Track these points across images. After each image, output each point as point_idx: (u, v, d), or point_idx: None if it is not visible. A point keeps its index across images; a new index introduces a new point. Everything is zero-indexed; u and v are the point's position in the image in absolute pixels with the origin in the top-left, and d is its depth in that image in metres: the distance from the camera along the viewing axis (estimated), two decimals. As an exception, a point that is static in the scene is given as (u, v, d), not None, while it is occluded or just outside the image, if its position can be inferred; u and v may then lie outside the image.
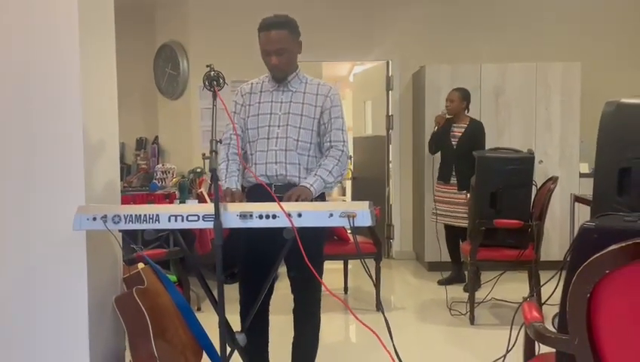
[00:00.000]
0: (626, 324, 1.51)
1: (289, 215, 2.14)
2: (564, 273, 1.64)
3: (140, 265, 2.82)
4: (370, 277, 2.46)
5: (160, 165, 5.72)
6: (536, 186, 4.37)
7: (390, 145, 6.68)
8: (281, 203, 2.19)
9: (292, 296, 2.81)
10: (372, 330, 2.11)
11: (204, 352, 2.69)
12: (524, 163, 4.36)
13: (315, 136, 2.77)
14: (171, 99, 6.62)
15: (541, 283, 3.96)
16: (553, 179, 4.32)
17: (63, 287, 2.44)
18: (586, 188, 5.53)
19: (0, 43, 2.39)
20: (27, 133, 2.42)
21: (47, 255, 2.43)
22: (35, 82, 2.41)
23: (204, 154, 5.62)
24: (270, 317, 2.89)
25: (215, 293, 2.23)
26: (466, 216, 4.98)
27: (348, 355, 3.86)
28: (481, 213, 4.29)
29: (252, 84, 2.88)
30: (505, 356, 2.13)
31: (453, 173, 5.22)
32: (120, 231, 2.62)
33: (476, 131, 5.20)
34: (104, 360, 2.61)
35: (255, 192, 2.71)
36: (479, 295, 4.57)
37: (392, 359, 2.08)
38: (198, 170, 5.37)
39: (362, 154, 7.30)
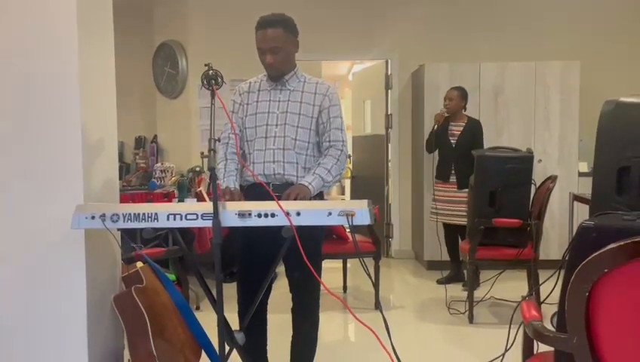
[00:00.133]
0: (624, 323, 1.51)
1: (288, 213, 2.13)
2: (562, 272, 1.64)
3: (139, 264, 2.82)
4: (369, 276, 2.46)
5: (159, 164, 5.71)
6: (535, 185, 4.38)
7: (389, 144, 6.68)
8: (279, 201, 2.19)
9: (291, 295, 2.81)
10: (371, 329, 2.11)
11: (202, 351, 2.69)
12: (523, 162, 4.37)
13: (314, 136, 2.77)
14: (170, 98, 6.62)
15: (540, 282, 3.97)
16: (552, 178, 4.33)
17: (62, 286, 2.44)
18: (585, 187, 5.54)
19: (-1, 42, 2.40)
20: (26, 132, 2.42)
21: (46, 254, 2.43)
22: (34, 81, 2.41)
23: (202, 153, 5.63)
24: (269, 317, 2.89)
25: (214, 292, 2.23)
26: (466, 214, 4.98)
27: (347, 354, 3.86)
28: (480, 212, 4.29)
29: (250, 82, 2.87)
30: (504, 355, 2.13)
31: (453, 172, 5.23)
32: (119, 229, 2.62)
33: (475, 130, 5.22)
34: (103, 358, 2.61)
35: (253, 191, 2.71)
36: (478, 294, 4.57)
37: (391, 358, 2.08)
38: (197, 168, 5.37)
39: (361, 153, 7.30)
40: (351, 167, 7.28)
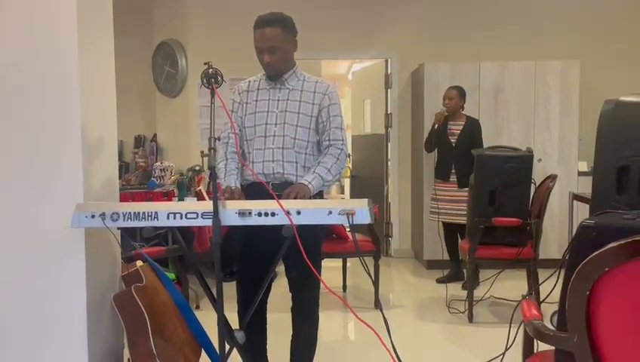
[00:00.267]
0: (625, 321, 1.51)
1: (288, 212, 2.13)
2: (562, 271, 1.64)
3: (139, 263, 2.82)
4: (370, 275, 2.46)
5: (158, 163, 5.71)
6: (534, 184, 4.38)
7: (389, 144, 6.68)
8: (279, 200, 2.19)
9: (290, 295, 2.81)
10: (371, 328, 2.11)
11: (202, 350, 2.69)
12: (523, 161, 4.37)
13: (313, 135, 2.76)
14: (170, 97, 6.61)
15: (539, 282, 3.97)
16: (552, 178, 4.33)
17: (62, 285, 2.44)
18: (585, 187, 5.54)
19: (-1, 41, 2.39)
20: (26, 131, 2.41)
21: (46, 252, 2.43)
22: (34, 81, 2.40)
23: (202, 152, 5.63)
24: (269, 316, 2.89)
25: (214, 291, 2.22)
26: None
27: (346, 353, 3.86)
28: (480, 211, 4.29)
29: (249, 81, 2.87)
30: (504, 354, 2.13)
31: (453, 171, 5.23)
32: (118, 228, 2.62)
33: (474, 129, 5.24)
34: (103, 357, 2.61)
35: (252, 190, 2.71)
36: (478, 293, 4.57)
37: (392, 357, 2.08)
38: (197, 167, 5.37)
39: (361, 152, 7.30)
40: (350, 166, 7.28)
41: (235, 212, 2.16)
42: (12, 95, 2.40)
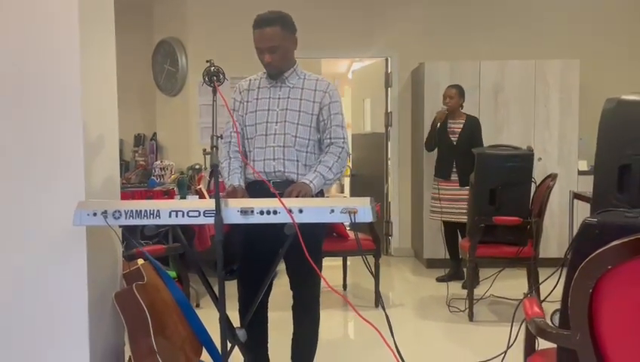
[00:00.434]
0: (627, 319, 1.51)
1: (290, 211, 2.13)
2: (564, 270, 1.64)
3: (140, 261, 2.81)
4: (371, 273, 2.46)
5: (158, 162, 5.71)
6: (535, 183, 4.38)
7: (389, 143, 6.68)
8: (281, 199, 2.19)
9: (291, 293, 2.81)
10: (374, 326, 2.11)
11: (203, 348, 2.69)
12: (524, 160, 4.37)
13: (314, 133, 2.76)
14: (170, 96, 6.61)
15: (540, 280, 3.97)
16: (552, 177, 4.33)
17: (63, 283, 2.44)
18: (585, 186, 5.55)
19: (0, 41, 2.39)
20: (27, 130, 2.41)
21: (47, 250, 2.43)
22: (35, 79, 2.40)
23: (204, 150, 5.62)
24: (270, 314, 2.89)
25: (216, 289, 2.23)
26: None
27: (347, 351, 3.86)
28: (481, 210, 4.30)
29: (250, 80, 2.87)
30: (505, 352, 2.13)
31: (454, 170, 5.24)
32: (120, 226, 2.62)
33: (474, 127, 5.25)
34: (104, 355, 2.61)
35: (253, 189, 2.71)
36: (478, 292, 4.58)
37: (394, 355, 2.08)
38: (197, 166, 5.36)
39: (361, 151, 7.30)
40: (351, 165, 7.28)
41: (237, 210, 2.16)
42: (13, 94, 2.40)
